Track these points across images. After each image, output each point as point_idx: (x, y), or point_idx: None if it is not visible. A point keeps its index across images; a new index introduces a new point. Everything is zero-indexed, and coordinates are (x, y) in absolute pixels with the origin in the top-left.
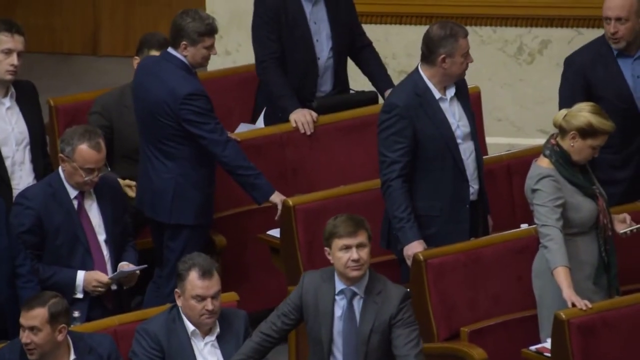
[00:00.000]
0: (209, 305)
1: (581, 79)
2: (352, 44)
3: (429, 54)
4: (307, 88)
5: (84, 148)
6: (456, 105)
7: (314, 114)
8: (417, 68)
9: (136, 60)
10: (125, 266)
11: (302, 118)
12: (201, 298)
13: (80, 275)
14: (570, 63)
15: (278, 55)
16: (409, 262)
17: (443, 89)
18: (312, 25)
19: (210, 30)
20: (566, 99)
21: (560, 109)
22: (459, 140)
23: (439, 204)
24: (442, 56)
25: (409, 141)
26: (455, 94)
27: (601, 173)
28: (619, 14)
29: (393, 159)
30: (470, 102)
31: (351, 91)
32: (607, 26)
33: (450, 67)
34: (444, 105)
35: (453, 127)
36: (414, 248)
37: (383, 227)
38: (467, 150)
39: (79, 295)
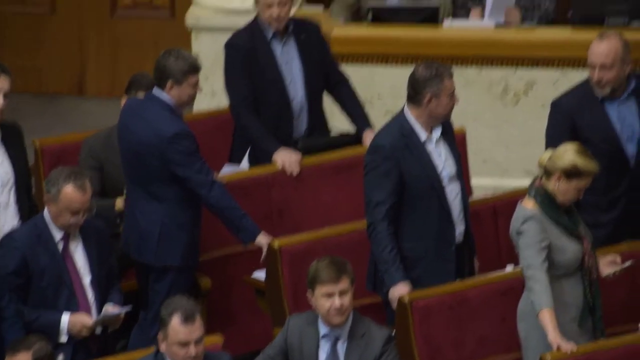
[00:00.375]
0: (191, 350)
1: (568, 121)
2: (327, 81)
3: (414, 94)
4: (282, 129)
5: (69, 189)
6: (442, 147)
7: (299, 155)
8: (403, 109)
9: (124, 99)
10: (110, 308)
11: (287, 158)
12: (184, 344)
13: (65, 318)
14: (557, 106)
15: (251, 99)
16: (394, 305)
17: (429, 130)
18: (284, 67)
19: (194, 68)
20: (553, 141)
21: (546, 150)
22: (444, 182)
23: (425, 245)
24: (428, 96)
25: (395, 182)
26: (442, 134)
27: (587, 215)
28: (604, 62)
29: (379, 200)
30: (456, 143)
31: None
32: (591, 72)
33: (436, 108)
34: (430, 147)
35: (439, 169)
36: (400, 290)
37: (369, 270)
38: (453, 191)
39: (64, 339)
